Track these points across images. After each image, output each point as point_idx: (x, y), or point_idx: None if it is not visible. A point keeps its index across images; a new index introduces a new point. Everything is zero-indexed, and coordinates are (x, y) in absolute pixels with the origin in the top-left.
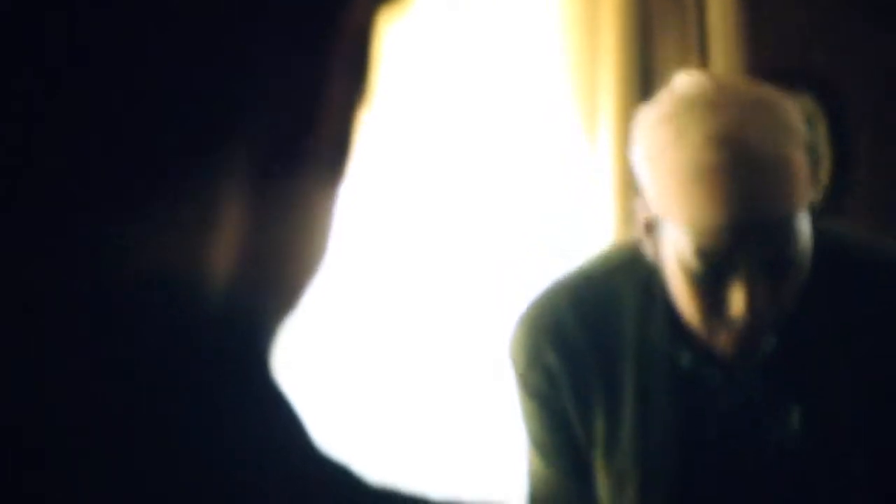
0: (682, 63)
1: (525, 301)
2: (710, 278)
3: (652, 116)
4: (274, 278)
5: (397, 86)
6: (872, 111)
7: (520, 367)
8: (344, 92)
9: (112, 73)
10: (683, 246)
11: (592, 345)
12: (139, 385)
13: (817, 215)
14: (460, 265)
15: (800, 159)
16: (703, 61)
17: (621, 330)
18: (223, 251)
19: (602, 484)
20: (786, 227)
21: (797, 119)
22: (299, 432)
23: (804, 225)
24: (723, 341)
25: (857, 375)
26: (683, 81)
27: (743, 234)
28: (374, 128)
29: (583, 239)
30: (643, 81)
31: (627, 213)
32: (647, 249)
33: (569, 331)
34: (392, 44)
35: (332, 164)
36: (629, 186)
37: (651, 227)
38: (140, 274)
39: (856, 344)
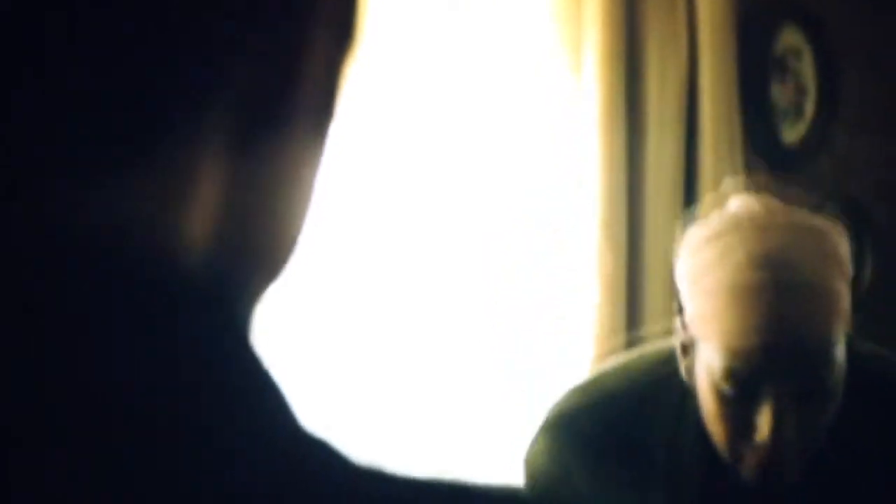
0: None
1: (545, 408)
2: (740, 401)
3: (699, 236)
4: (257, 242)
5: (383, 38)
6: (860, 45)
7: (538, 475)
8: (328, 44)
9: (76, 38)
10: (715, 365)
11: (621, 465)
12: (116, 365)
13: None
14: (444, 223)
15: (842, 290)
16: None
17: (651, 451)
18: (201, 220)
19: None
20: (819, 356)
21: (844, 250)
22: (282, 408)
23: (840, 354)
24: (749, 467)
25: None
26: (735, 202)
27: (774, 358)
28: (359, 83)
29: (569, 186)
30: (628, 13)
31: (611, 149)
32: (682, 370)
33: (594, 445)
34: None
35: (317, 121)
36: (613, 120)
37: (687, 349)
38: (112, 247)
39: (878, 469)
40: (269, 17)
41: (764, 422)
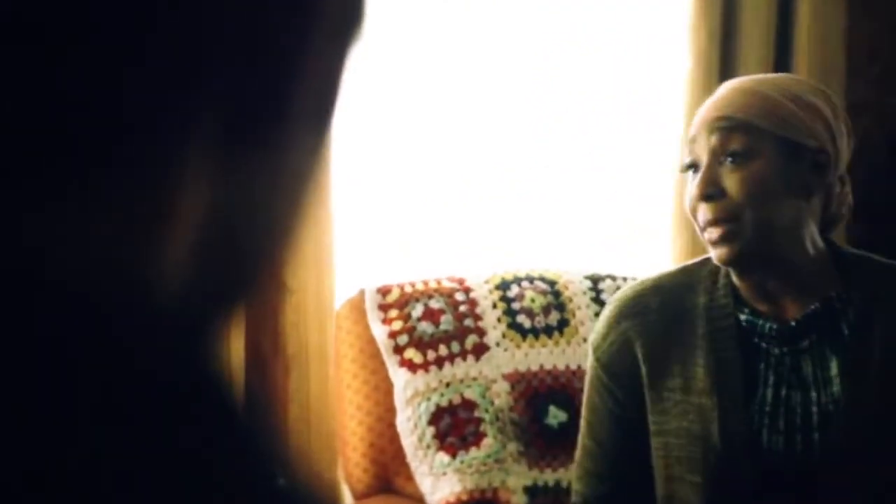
0: None
1: None
2: (693, 177)
3: None
4: (242, 249)
5: None
6: None
7: (597, 339)
8: (331, 29)
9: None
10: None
11: (668, 313)
12: (85, 399)
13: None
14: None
15: (797, 115)
16: None
17: (694, 302)
18: (180, 239)
19: (683, 423)
20: (744, 131)
21: (826, 109)
22: (253, 455)
23: (770, 147)
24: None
25: (883, 347)
26: None
27: (705, 126)
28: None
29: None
30: None
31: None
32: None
33: (647, 303)
34: None
35: (318, 114)
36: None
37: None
38: (85, 271)
39: (880, 325)
40: (269, 13)
41: (697, 179)
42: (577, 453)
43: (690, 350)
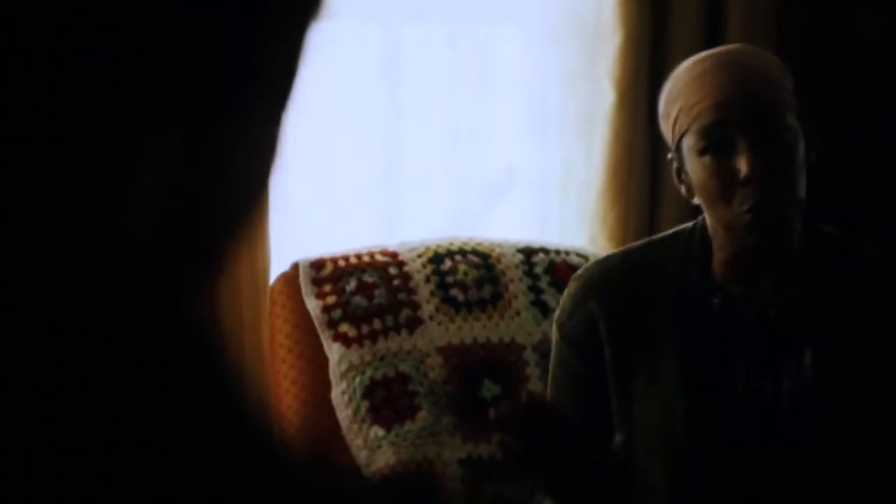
0: None
1: None
2: (720, 161)
3: (675, 74)
4: (210, 215)
5: None
6: None
7: (562, 317)
8: (292, 11)
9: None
10: (694, 143)
11: (635, 294)
12: (57, 356)
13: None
14: None
15: (785, 85)
16: None
17: (662, 283)
18: (148, 201)
19: (647, 411)
20: (771, 107)
21: (787, 75)
22: (231, 394)
23: (792, 121)
24: (745, 216)
25: (861, 340)
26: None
27: (733, 107)
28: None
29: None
30: None
31: None
32: (683, 191)
33: (614, 283)
34: None
35: (282, 82)
36: None
37: (679, 170)
38: (56, 232)
39: (860, 314)
40: None
41: (743, 160)
42: None
43: (658, 337)
